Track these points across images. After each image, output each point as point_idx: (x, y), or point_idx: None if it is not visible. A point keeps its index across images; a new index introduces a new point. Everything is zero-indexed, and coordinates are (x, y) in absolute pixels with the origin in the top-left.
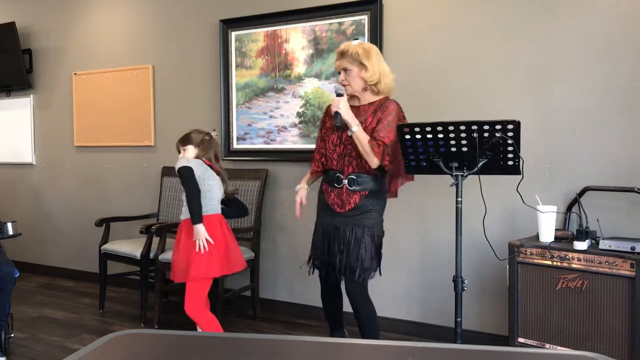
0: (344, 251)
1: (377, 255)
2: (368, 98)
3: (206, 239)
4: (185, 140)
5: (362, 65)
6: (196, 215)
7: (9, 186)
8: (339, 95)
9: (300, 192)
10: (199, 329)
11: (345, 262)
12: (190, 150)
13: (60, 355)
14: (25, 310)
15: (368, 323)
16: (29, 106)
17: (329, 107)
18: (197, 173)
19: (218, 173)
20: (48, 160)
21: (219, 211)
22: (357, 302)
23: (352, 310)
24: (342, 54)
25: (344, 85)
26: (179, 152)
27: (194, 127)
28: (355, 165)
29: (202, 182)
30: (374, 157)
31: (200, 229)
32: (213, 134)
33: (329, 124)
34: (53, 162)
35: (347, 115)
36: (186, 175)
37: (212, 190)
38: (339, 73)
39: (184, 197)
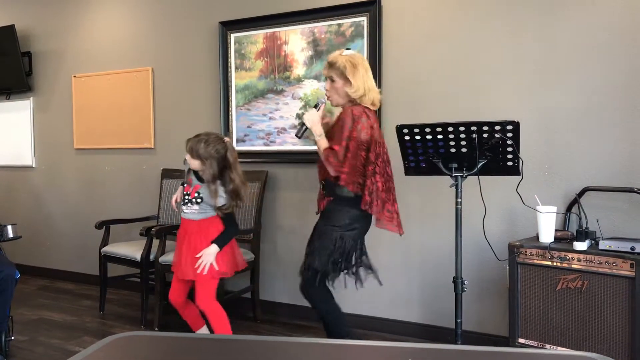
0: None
1: (328, 260)
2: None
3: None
4: (196, 153)
5: (347, 80)
6: (224, 243)
7: (9, 189)
8: (315, 106)
9: None
10: (200, 330)
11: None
12: (195, 164)
13: (60, 357)
14: (25, 313)
15: (328, 321)
16: (28, 109)
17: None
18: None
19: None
20: (48, 162)
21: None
22: (309, 299)
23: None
24: (331, 65)
25: (327, 96)
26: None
27: (194, 129)
28: (324, 172)
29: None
30: (329, 165)
31: (215, 253)
32: (227, 140)
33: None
34: (53, 164)
35: (314, 126)
36: (231, 216)
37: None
38: (326, 79)
39: (195, 205)
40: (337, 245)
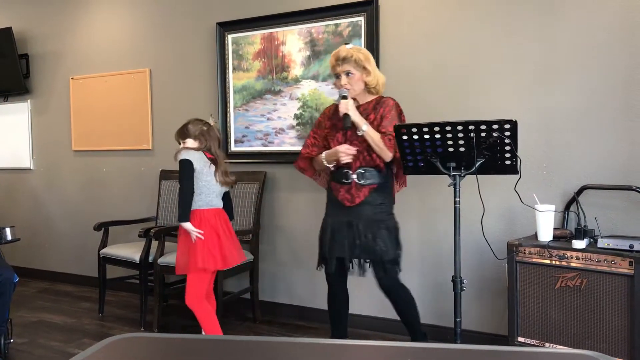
0: (361, 245)
1: (398, 245)
2: (365, 98)
3: (197, 232)
4: (183, 134)
5: (365, 69)
6: (182, 215)
7: (8, 191)
8: (344, 97)
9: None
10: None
11: (365, 256)
12: (190, 144)
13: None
14: (24, 315)
15: (407, 310)
16: (26, 111)
17: (327, 108)
18: (197, 167)
19: (217, 164)
20: (46, 164)
21: (216, 206)
22: (391, 293)
23: (352, 312)
24: (344, 59)
25: (347, 89)
26: (178, 143)
27: None
28: (362, 160)
29: (200, 178)
30: (388, 150)
31: (186, 226)
32: (211, 121)
33: (330, 124)
34: (51, 166)
35: (356, 116)
36: (184, 169)
37: (209, 185)
38: (337, 77)
39: None
40: (395, 235)
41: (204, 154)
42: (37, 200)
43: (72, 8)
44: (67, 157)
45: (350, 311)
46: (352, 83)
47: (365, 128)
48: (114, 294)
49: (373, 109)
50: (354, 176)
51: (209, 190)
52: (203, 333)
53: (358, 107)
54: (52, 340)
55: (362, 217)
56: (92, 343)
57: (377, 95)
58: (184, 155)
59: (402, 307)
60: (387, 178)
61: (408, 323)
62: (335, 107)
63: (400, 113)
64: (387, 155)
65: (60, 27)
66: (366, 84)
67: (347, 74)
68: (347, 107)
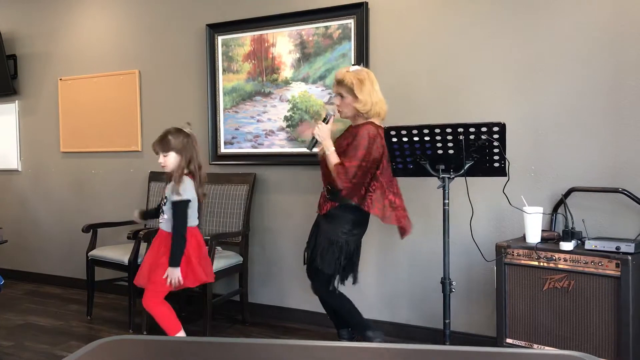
0: (314, 248)
1: (336, 265)
2: (356, 121)
3: (179, 279)
4: (165, 146)
5: (355, 96)
6: (176, 260)
7: None
8: (324, 120)
9: None
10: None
11: (310, 261)
12: (173, 158)
13: None
14: (11, 318)
15: (344, 314)
16: (14, 112)
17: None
18: (192, 199)
19: (199, 177)
20: (34, 166)
21: (193, 224)
22: (321, 299)
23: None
24: (339, 83)
25: (339, 111)
26: (156, 154)
27: None
28: (330, 177)
29: (192, 205)
30: (337, 179)
31: (176, 272)
32: (187, 129)
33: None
34: (39, 168)
35: (326, 140)
36: (185, 210)
37: (193, 206)
38: (335, 95)
39: (165, 208)
40: (344, 250)
41: (187, 176)
42: (25, 202)
43: (61, 9)
44: (55, 158)
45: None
46: (342, 106)
47: (327, 153)
48: (102, 296)
49: (353, 135)
50: (324, 189)
51: (192, 211)
52: (167, 334)
53: (348, 129)
54: (40, 343)
55: (321, 226)
56: (80, 346)
57: (367, 120)
58: (188, 193)
59: (335, 311)
60: (345, 202)
61: (347, 323)
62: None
63: (372, 143)
64: (338, 183)
65: (48, 27)
66: (356, 109)
67: (341, 96)
68: (320, 130)
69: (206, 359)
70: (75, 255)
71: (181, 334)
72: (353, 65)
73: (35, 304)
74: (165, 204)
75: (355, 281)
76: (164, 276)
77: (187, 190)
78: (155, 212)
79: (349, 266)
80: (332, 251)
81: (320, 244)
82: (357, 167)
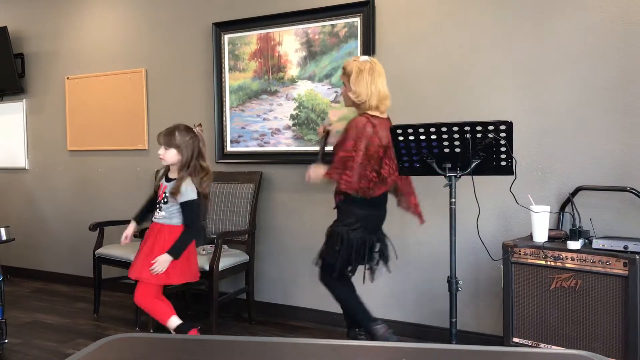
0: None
1: (335, 254)
2: (357, 112)
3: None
4: (169, 142)
5: (349, 85)
6: (178, 252)
7: (2, 191)
8: (324, 139)
9: None
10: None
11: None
12: (173, 153)
13: None
14: (19, 316)
15: (346, 308)
16: (21, 111)
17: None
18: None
19: (195, 178)
20: (41, 164)
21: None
22: (328, 289)
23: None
24: (342, 70)
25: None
26: (159, 144)
27: None
28: None
29: None
30: (334, 175)
31: (166, 263)
32: (197, 129)
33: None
34: (46, 166)
35: (318, 179)
36: (195, 208)
37: None
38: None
39: (163, 205)
40: (345, 244)
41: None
42: (32, 200)
43: (68, 8)
44: (62, 157)
45: (336, 310)
46: (343, 94)
47: (323, 179)
48: (109, 294)
49: (345, 128)
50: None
51: None
52: (161, 321)
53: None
54: (47, 341)
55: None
56: (87, 343)
57: (362, 112)
58: (190, 194)
59: (337, 300)
60: (349, 195)
61: (353, 320)
62: None
63: (361, 133)
64: (337, 181)
65: (56, 26)
66: (351, 99)
67: (344, 84)
68: (315, 174)
69: (212, 357)
70: (82, 254)
71: (174, 319)
72: (363, 56)
73: (42, 302)
74: (165, 201)
75: (371, 279)
76: (152, 261)
77: (191, 189)
78: (149, 207)
79: (356, 260)
80: (333, 241)
81: (327, 233)
82: (344, 157)
